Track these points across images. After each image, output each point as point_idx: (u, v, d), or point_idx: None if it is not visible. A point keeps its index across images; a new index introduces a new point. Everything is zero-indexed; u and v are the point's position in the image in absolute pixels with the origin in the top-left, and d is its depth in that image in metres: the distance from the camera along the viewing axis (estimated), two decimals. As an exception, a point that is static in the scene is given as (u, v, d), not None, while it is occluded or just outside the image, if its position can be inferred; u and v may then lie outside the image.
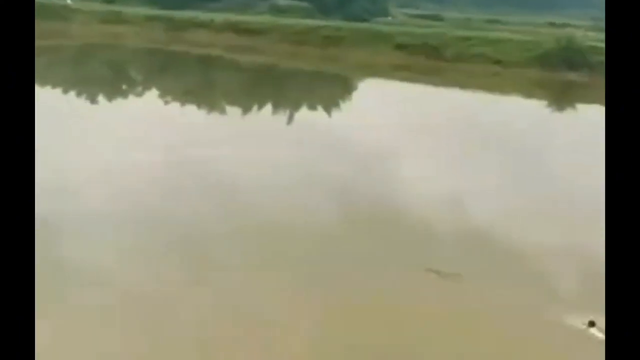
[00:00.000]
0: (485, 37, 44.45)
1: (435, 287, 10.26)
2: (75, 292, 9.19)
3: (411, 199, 15.00)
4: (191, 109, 26.61)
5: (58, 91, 27.50)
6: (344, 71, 42.80)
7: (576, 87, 37.80)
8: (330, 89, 36.30)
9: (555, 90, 37.88)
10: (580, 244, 12.63)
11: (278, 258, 11.01)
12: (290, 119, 25.42)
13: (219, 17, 53.75)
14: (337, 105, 30.54)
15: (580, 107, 34.07)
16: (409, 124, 24.21)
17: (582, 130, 26.42)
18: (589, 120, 29.26)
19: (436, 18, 70.55)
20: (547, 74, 38.81)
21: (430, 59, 41.78)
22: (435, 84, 37.62)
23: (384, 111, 26.49)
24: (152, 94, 30.05)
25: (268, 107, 27.37)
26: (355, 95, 34.83)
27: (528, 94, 36.60)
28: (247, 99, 29.53)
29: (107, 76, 35.40)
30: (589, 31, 56.94)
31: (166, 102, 27.72)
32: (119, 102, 27.64)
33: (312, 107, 29.57)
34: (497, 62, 40.56)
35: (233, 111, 26.35)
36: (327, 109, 28.82)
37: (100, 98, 26.69)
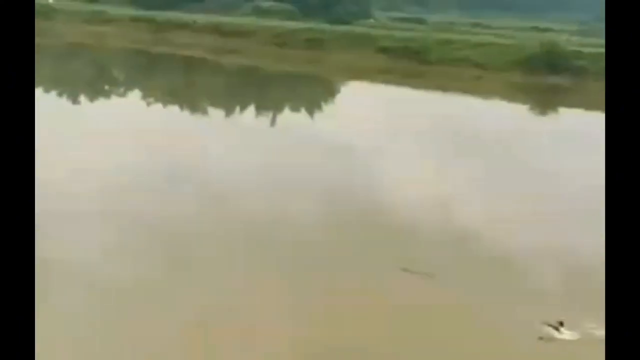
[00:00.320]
0: (468, 40, 44.63)
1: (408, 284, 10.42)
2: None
3: (386, 198, 15.05)
4: (173, 109, 26.53)
5: (39, 91, 27.26)
6: (327, 74, 42.81)
7: (558, 91, 38.03)
8: (313, 92, 36.30)
9: (538, 95, 38.08)
10: (555, 245, 12.74)
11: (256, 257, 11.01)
12: (273, 122, 25.47)
13: (202, 18, 53.60)
14: (319, 108, 30.60)
15: (562, 110, 34.31)
16: (390, 127, 24.23)
17: (563, 134, 26.54)
18: (570, 124, 29.50)
19: (419, 21, 70.72)
20: (529, 78, 39.01)
21: (413, 63, 41.85)
22: (418, 87, 37.69)
23: (366, 114, 26.48)
24: (135, 95, 29.92)
25: (251, 109, 27.38)
26: (338, 98, 34.85)
27: (510, 97, 36.77)
28: (230, 101, 29.48)
29: (87, 78, 35.17)
30: (572, 36, 57.42)
31: (148, 104, 27.61)
32: (100, 102, 27.50)
33: (295, 109, 29.57)
34: (480, 65, 40.69)
35: (215, 113, 26.30)
36: (310, 112, 28.85)
37: (82, 98, 26.55)
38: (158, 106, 27.22)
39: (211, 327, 8.81)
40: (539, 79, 38.89)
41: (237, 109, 27.46)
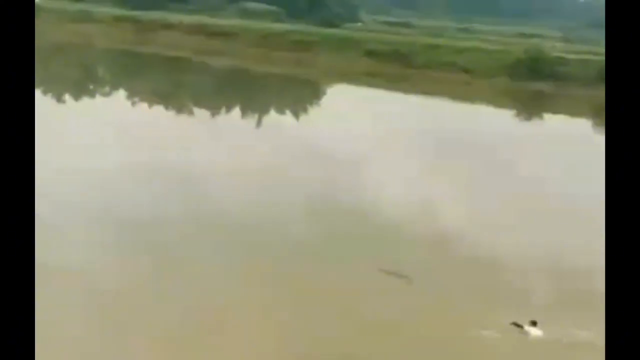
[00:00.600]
0: (454, 45, 44.79)
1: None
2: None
3: (367, 200, 15.09)
4: (159, 110, 26.44)
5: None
6: (313, 76, 42.78)
7: (543, 97, 38.20)
8: (299, 94, 36.30)
9: (523, 100, 38.20)
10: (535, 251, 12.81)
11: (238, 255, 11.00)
12: (258, 123, 25.47)
13: (189, 19, 53.44)
14: (304, 110, 30.62)
15: (547, 116, 34.51)
16: (374, 130, 24.23)
17: (547, 139, 26.60)
18: (554, 129, 29.66)
19: (407, 25, 70.91)
20: (515, 83, 39.13)
21: (400, 66, 41.88)
22: (404, 91, 37.73)
23: (351, 117, 26.49)
24: (120, 95, 29.80)
25: (237, 110, 27.33)
26: (324, 100, 34.84)
27: (496, 103, 36.90)
28: (216, 102, 29.43)
29: (71, 77, 34.97)
30: (558, 42, 57.83)
31: (133, 104, 27.49)
32: (85, 101, 27.36)
33: (281, 111, 29.56)
34: (466, 70, 40.77)
35: (201, 113, 26.23)
36: (295, 114, 28.87)
37: (67, 97, 26.41)
38: (143, 105, 27.10)
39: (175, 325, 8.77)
40: (524, 84, 39.02)
41: (223, 109, 27.42)
